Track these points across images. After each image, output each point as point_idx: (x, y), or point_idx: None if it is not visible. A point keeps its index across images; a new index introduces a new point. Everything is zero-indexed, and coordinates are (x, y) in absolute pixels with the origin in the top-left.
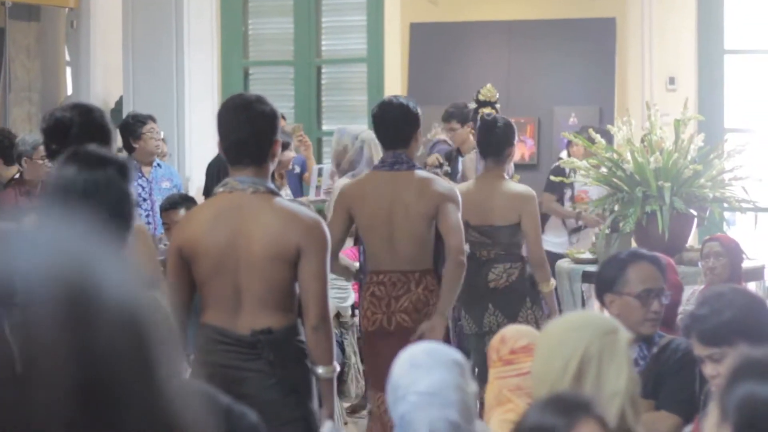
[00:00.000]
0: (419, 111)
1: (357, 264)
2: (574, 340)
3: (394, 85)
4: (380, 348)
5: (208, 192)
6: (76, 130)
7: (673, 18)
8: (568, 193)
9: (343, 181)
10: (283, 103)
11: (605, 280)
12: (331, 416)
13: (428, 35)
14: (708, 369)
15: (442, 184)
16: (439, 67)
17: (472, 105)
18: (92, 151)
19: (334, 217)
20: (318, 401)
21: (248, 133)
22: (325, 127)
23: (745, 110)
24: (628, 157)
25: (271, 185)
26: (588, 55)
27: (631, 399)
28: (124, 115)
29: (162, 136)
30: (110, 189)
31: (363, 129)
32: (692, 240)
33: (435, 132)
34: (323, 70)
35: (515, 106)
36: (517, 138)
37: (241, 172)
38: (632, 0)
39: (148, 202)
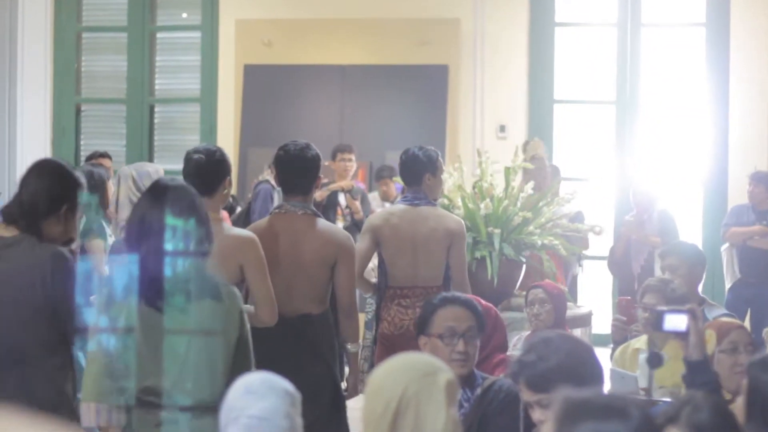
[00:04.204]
0: (438, 155)
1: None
2: (393, 382)
3: (227, 126)
4: (404, 349)
5: None
6: None
7: (504, 67)
8: None
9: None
10: (115, 141)
11: (419, 324)
12: (356, 381)
13: (262, 77)
14: (536, 414)
15: (453, 219)
16: (272, 109)
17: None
18: None
19: (363, 242)
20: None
21: (299, 170)
22: None
23: (575, 159)
24: (459, 203)
25: (314, 209)
26: (421, 101)
27: None
28: None
29: None
30: None
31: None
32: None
33: (265, 173)
34: (156, 109)
35: None
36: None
37: (293, 198)
38: (465, 48)
39: None
